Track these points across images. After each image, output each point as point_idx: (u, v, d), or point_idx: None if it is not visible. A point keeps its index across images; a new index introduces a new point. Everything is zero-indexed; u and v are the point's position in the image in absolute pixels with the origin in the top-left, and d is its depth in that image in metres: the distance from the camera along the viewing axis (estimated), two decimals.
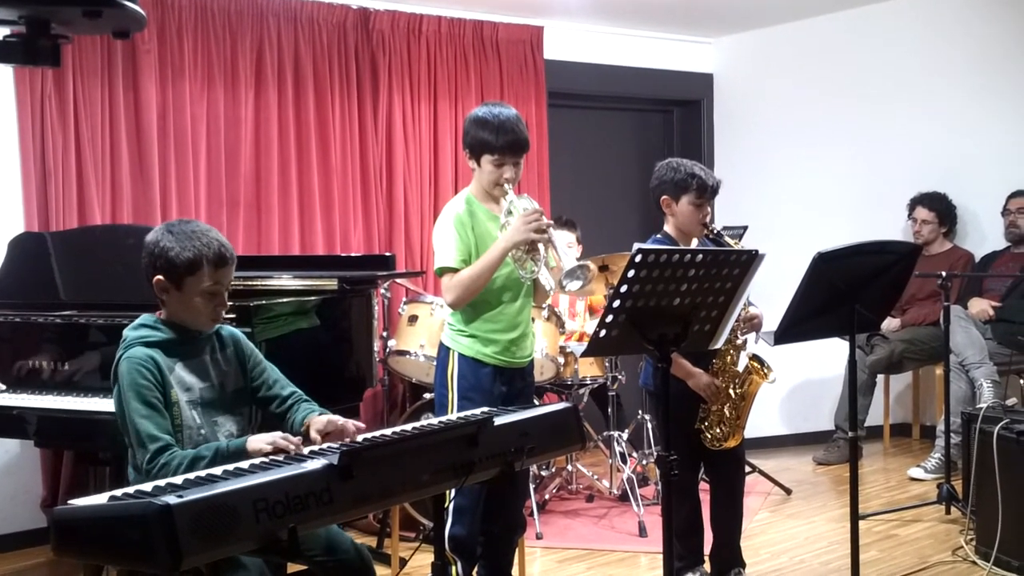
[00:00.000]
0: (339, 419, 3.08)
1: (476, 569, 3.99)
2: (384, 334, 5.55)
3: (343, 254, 6.28)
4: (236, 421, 3.21)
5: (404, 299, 5.72)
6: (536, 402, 5.00)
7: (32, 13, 2.21)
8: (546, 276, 3.72)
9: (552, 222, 3.76)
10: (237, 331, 3.34)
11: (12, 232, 4.93)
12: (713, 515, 4.29)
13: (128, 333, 3.10)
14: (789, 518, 5.68)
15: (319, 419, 3.10)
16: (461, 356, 3.85)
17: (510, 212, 3.80)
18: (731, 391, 4.06)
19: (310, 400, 3.29)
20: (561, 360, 5.57)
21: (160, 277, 3.07)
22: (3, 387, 4.21)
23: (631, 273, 3.04)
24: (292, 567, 3.56)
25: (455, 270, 3.76)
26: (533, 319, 4.85)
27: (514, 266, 3.78)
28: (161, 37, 5.76)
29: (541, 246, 3.71)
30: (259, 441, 2.91)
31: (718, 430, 4.07)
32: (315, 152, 6.29)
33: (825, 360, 6.84)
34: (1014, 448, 4.53)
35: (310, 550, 3.06)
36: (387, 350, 5.46)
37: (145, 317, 3.15)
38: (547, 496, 5.92)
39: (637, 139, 8.36)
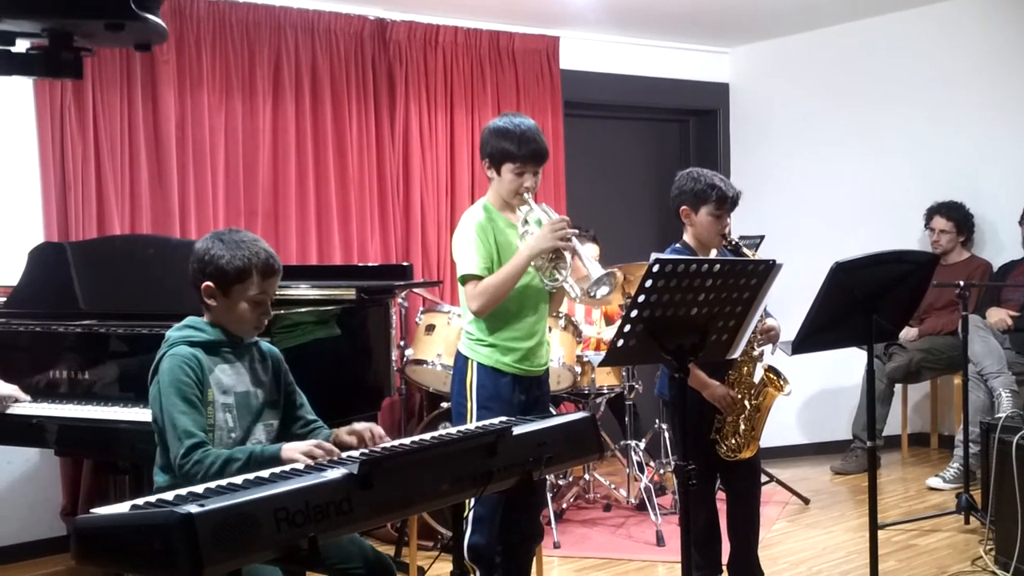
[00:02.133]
0: (360, 425, 3.12)
1: None
2: (401, 343, 5.56)
3: (360, 264, 6.30)
4: (266, 430, 3.25)
5: (421, 308, 5.73)
6: (553, 411, 5.01)
7: (55, 26, 2.23)
8: (571, 284, 3.74)
9: (577, 230, 3.78)
10: (276, 350, 3.39)
11: (32, 242, 4.95)
12: (730, 525, 4.28)
13: (172, 333, 3.16)
14: (807, 528, 5.67)
15: (344, 428, 3.16)
16: (480, 365, 3.85)
17: (526, 221, 3.83)
18: (746, 402, 4.05)
19: (328, 429, 3.33)
20: (578, 369, 5.58)
21: (209, 283, 3.13)
22: (28, 398, 4.22)
23: (648, 283, 3.04)
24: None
25: (479, 278, 3.77)
26: (550, 328, 4.85)
27: (537, 275, 3.80)
28: (180, 48, 5.80)
29: (567, 254, 3.73)
30: (294, 450, 2.94)
31: (733, 441, 4.06)
32: (332, 162, 6.32)
33: (843, 369, 6.84)
34: None
35: (330, 559, 3.07)
36: (404, 359, 5.47)
37: (190, 319, 3.20)
38: (564, 505, 5.92)
39: (653, 149, 8.36)
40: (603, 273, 3.63)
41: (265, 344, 3.37)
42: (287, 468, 2.69)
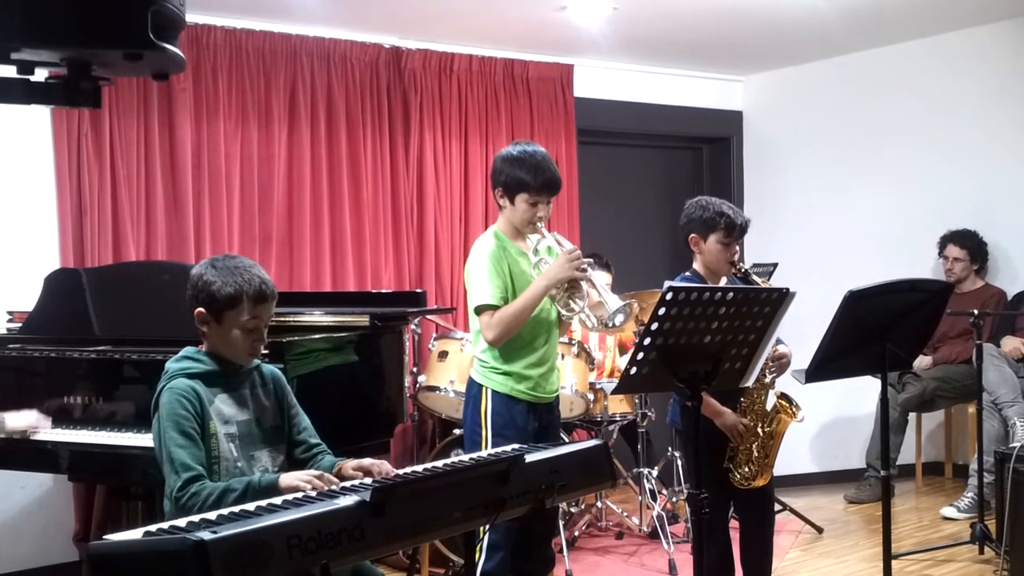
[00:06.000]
0: (368, 461, 3.09)
1: None
2: (414, 370, 5.57)
3: (374, 290, 6.32)
4: (272, 456, 3.22)
5: (434, 335, 5.74)
6: (564, 436, 5.00)
7: (74, 55, 2.24)
8: (587, 314, 3.77)
9: (592, 260, 3.79)
10: (278, 371, 3.38)
11: (48, 268, 4.98)
12: (743, 553, 4.26)
13: (170, 365, 3.14)
14: (821, 557, 5.64)
15: (351, 461, 3.13)
16: (495, 393, 3.86)
17: (537, 251, 3.85)
18: (759, 430, 4.04)
19: (332, 454, 3.31)
20: (591, 397, 5.57)
21: (201, 310, 3.12)
22: (50, 425, 4.21)
23: (662, 311, 3.05)
24: None
25: (495, 307, 3.78)
26: (562, 356, 4.84)
27: (555, 304, 3.82)
28: (196, 76, 5.85)
29: (584, 284, 3.75)
30: (292, 478, 2.92)
31: (746, 469, 4.05)
32: (347, 189, 6.35)
33: (856, 398, 6.81)
34: None
35: None
36: (417, 386, 5.48)
37: (188, 350, 3.19)
38: (577, 533, 5.90)
39: (667, 176, 8.38)
40: (621, 305, 3.67)
41: (267, 367, 3.34)
42: (299, 495, 2.69)
